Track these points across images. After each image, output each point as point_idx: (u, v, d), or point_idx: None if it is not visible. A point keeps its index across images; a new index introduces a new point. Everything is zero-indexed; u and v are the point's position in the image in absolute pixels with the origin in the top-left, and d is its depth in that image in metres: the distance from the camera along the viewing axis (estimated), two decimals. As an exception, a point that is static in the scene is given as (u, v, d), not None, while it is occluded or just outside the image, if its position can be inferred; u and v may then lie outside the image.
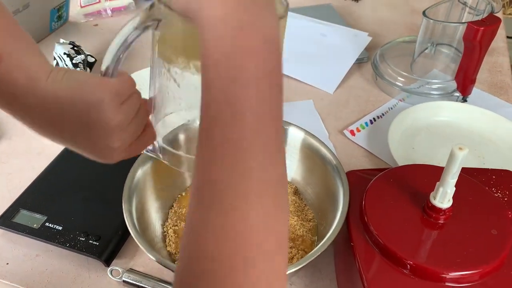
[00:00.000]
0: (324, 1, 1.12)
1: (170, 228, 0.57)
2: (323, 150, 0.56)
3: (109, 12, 1.09)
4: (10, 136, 0.76)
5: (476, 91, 0.82)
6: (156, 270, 0.55)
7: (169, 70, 0.39)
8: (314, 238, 0.56)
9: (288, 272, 0.45)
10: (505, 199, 0.49)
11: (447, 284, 0.41)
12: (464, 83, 0.78)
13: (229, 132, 0.26)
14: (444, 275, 0.41)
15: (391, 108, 0.81)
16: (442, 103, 0.77)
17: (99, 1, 1.08)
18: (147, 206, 0.55)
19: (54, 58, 0.83)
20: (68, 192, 0.62)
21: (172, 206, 0.60)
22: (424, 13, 0.79)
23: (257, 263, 0.26)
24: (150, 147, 0.46)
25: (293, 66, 0.87)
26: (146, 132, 0.42)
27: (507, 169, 0.54)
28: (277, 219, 0.28)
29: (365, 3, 1.15)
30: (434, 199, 0.44)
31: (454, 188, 0.44)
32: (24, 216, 0.58)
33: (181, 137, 0.48)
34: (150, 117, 0.44)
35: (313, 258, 0.45)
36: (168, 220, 0.58)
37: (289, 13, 0.37)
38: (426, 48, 0.86)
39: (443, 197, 0.44)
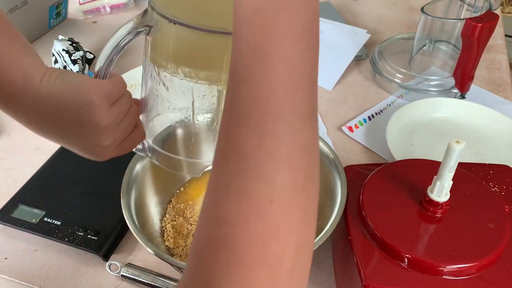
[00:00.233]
0: (323, -2, 1.12)
1: (168, 223, 0.57)
2: (321, 145, 0.57)
3: (108, 9, 1.09)
4: (9, 132, 0.76)
5: (474, 88, 0.82)
6: (154, 265, 0.55)
7: (159, 74, 0.40)
8: (312, 233, 0.56)
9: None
10: (502, 193, 0.49)
11: (444, 277, 0.41)
12: (462, 80, 0.78)
13: (258, 90, 0.24)
14: (441, 268, 0.41)
15: (390, 105, 0.81)
16: (440, 99, 0.77)
17: (98, -2, 1.08)
18: (145, 200, 0.55)
19: (53, 55, 0.83)
20: (66, 187, 0.62)
21: (170, 201, 0.60)
22: (422, 9, 0.79)
23: (281, 234, 0.24)
24: (140, 146, 0.47)
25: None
26: (136, 131, 0.44)
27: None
28: (304, 189, 0.25)
29: (364, 1, 1.15)
30: (432, 193, 0.44)
31: (452, 182, 0.44)
32: (23, 211, 0.59)
33: (169, 138, 0.49)
34: (140, 116, 0.45)
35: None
36: (166, 215, 0.58)
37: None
38: (425, 45, 0.86)
39: (441, 191, 0.44)
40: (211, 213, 0.26)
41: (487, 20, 0.71)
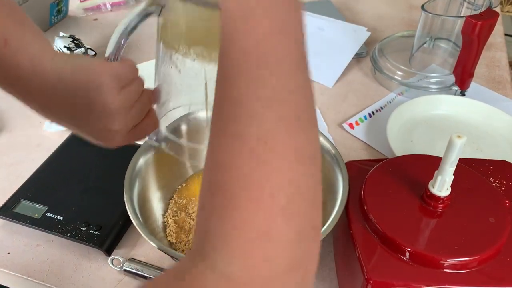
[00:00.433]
0: (323, -4, 1.12)
1: (171, 218, 0.57)
2: (322, 141, 0.57)
3: (108, 6, 1.09)
4: (10, 129, 0.77)
5: (474, 85, 0.82)
6: (156, 260, 0.55)
7: (171, 57, 0.40)
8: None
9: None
10: (503, 188, 0.50)
11: (445, 270, 0.42)
12: (462, 77, 0.78)
13: (244, 43, 0.25)
14: (442, 262, 0.42)
15: (390, 102, 0.81)
16: (440, 96, 0.77)
17: (99, -4, 1.08)
18: (148, 195, 0.56)
19: (54, 51, 0.83)
20: (69, 183, 0.62)
21: (172, 197, 0.60)
22: (423, 7, 0.79)
23: (274, 175, 0.25)
24: (153, 137, 0.46)
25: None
26: (148, 118, 0.43)
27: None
28: (297, 129, 0.26)
29: (364, -1, 1.15)
30: (433, 188, 0.45)
31: (453, 177, 0.44)
32: (25, 206, 0.59)
33: (183, 126, 0.48)
34: (154, 106, 0.44)
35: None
36: (168, 210, 0.58)
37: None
38: (425, 43, 0.86)
39: (442, 185, 0.44)
40: (208, 160, 0.27)
41: (487, 18, 0.71)
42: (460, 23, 0.78)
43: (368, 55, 0.92)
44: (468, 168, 0.50)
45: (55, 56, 0.37)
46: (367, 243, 0.45)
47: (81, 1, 1.08)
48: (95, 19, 1.07)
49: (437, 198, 0.45)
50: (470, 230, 0.44)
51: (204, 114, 0.51)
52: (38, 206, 0.59)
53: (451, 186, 0.45)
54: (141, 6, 0.37)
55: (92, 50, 0.85)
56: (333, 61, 0.89)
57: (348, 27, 0.98)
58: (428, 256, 0.42)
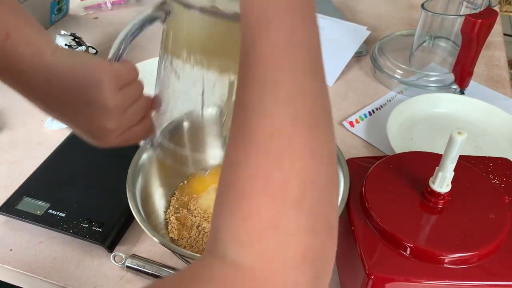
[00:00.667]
0: (323, -5, 1.13)
1: (172, 215, 0.58)
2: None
3: (109, 5, 1.09)
4: (12, 127, 0.77)
5: (473, 84, 0.83)
6: (158, 256, 0.56)
7: (172, 63, 0.41)
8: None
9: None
10: (502, 185, 0.50)
11: (446, 266, 0.42)
12: (462, 76, 0.79)
13: (260, 49, 0.27)
14: (443, 257, 0.42)
15: (390, 100, 0.82)
16: (440, 95, 0.78)
17: (99, -6, 1.09)
18: (150, 192, 0.56)
19: (55, 50, 0.84)
20: (71, 180, 0.62)
21: (174, 194, 0.60)
22: (423, 6, 0.80)
23: (284, 164, 0.25)
24: (148, 142, 0.47)
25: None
26: (144, 122, 0.44)
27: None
28: (310, 126, 0.26)
29: (364, -2, 1.16)
30: (433, 184, 0.45)
31: (453, 173, 0.44)
32: (28, 203, 0.59)
33: (177, 132, 0.49)
34: (152, 114, 0.45)
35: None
36: (170, 207, 0.59)
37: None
38: (424, 41, 0.87)
39: (442, 181, 0.45)
40: (224, 161, 0.27)
41: (487, 17, 0.71)
42: (459, 22, 0.78)
43: (368, 54, 0.92)
44: (468, 165, 0.50)
45: (56, 51, 0.38)
46: (368, 239, 0.45)
47: (81, 0, 1.08)
48: (96, 18, 1.07)
49: (438, 194, 0.45)
50: (470, 226, 0.44)
51: (199, 120, 0.51)
52: (40, 203, 0.59)
53: (451, 183, 0.45)
54: (148, 11, 0.38)
55: (93, 48, 0.85)
56: (333, 59, 0.89)
57: (348, 26, 0.98)
58: (429, 252, 0.42)
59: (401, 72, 0.83)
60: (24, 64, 0.37)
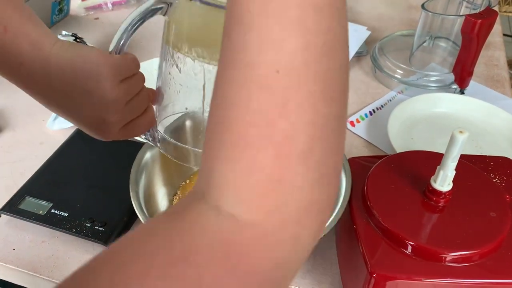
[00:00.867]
0: (323, -4, 1.13)
1: (175, 214, 0.58)
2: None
3: (109, 5, 1.09)
4: (13, 127, 0.77)
5: (473, 84, 0.83)
6: (161, 255, 0.56)
7: (173, 56, 0.40)
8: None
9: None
10: (503, 184, 0.51)
11: (447, 264, 0.42)
12: (462, 76, 0.79)
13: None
14: (444, 255, 0.42)
15: (390, 100, 0.82)
16: (440, 95, 0.78)
17: (100, -5, 1.09)
18: (153, 191, 0.56)
19: (57, 50, 0.84)
20: (73, 180, 0.63)
21: (177, 193, 0.60)
22: (423, 6, 0.80)
23: (289, 108, 0.21)
24: (149, 137, 0.47)
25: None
26: (145, 115, 0.43)
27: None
28: (323, 58, 0.22)
29: (364, -2, 1.16)
30: (435, 183, 0.46)
31: (454, 172, 0.45)
32: (30, 203, 0.59)
33: (179, 127, 0.49)
34: (154, 107, 0.45)
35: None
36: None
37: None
38: (425, 42, 0.87)
39: (444, 180, 0.45)
40: (215, 94, 0.23)
41: (486, 17, 0.72)
42: (459, 22, 0.79)
43: (368, 54, 0.92)
44: (469, 164, 0.50)
45: (56, 43, 0.37)
46: (370, 237, 0.45)
47: (82, 0, 1.08)
48: (97, 18, 1.07)
49: (439, 193, 0.46)
50: (471, 225, 0.44)
51: (201, 114, 0.51)
52: (43, 202, 0.59)
53: (452, 181, 0.46)
54: (150, 2, 0.38)
55: (94, 48, 0.85)
56: (334, 59, 0.89)
57: (349, 26, 0.98)
58: (430, 250, 0.43)
59: (402, 72, 0.83)
60: (24, 57, 0.36)
